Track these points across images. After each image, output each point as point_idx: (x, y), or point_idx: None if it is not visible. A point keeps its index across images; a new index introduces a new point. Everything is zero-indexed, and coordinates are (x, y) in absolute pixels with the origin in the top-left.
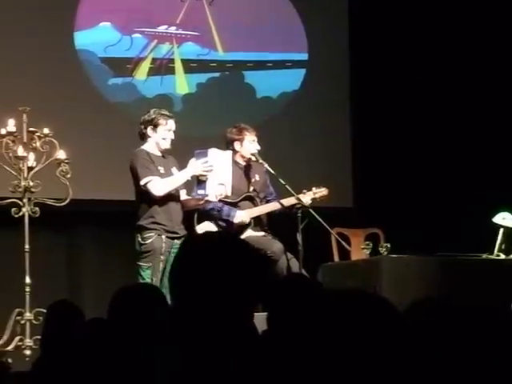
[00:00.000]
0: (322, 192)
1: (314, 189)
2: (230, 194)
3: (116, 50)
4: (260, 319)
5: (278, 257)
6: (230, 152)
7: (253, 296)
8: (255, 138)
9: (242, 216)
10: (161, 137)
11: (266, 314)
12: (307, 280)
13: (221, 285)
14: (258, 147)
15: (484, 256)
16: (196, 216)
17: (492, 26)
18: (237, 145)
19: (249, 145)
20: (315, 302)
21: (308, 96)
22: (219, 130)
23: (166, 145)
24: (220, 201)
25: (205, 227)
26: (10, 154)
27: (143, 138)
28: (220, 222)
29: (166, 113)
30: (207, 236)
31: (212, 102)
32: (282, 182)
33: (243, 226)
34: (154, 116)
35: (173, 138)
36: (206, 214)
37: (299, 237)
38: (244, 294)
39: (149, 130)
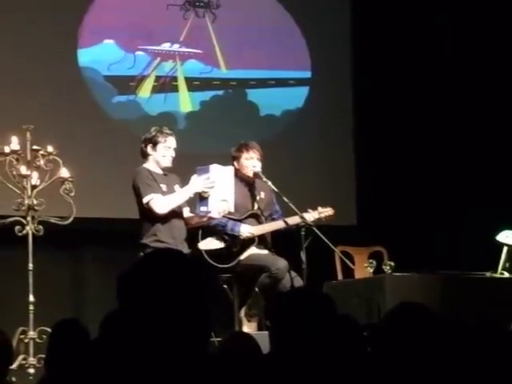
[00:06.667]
0: (327, 212)
1: (319, 208)
2: (232, 210)
3: (119, 67)
4: (265, 337)
5: (283, 274)
6: (231, 168)
7: (194, 321)
8: (254, 156)
9: (247, 230)
10: (160, 154)
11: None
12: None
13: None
14: (256, 164)
15: (488, 274)
16: (200, 233)
17: (492, 30)
18: (235, 163)
19: (245, 162)
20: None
21: (311, 114)
22: (223, 147)
23: (166, 162)
24: (224, 217)
25: (208, 243)
26: (14, 173)
27: (144, 156)
28: (225, 237)
29: (166, 130)
30: (151, 254)
31: (215, 119)
32: (286, 200)
33: (248, 242)
34: (153, 134)
35: (173, 155)
36: (210, 230)
37: (303, 255)
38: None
39: (149, 148)
